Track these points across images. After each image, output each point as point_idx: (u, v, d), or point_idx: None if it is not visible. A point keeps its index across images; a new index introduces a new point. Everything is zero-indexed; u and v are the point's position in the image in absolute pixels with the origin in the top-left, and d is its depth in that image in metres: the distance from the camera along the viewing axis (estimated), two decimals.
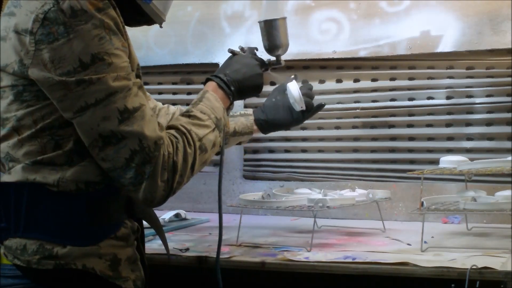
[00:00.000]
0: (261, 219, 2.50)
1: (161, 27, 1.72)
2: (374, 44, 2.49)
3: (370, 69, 2.56)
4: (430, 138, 2.48)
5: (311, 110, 2.12)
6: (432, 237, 2.05)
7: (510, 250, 1.80)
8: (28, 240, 1.47)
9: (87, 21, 1.39)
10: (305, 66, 2.62)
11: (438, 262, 1.71)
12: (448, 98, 2.44)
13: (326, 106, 2.59)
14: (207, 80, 1.76)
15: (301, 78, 2.61)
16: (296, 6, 2.58)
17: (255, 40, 2.62)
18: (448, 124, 2.45)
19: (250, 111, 2.15)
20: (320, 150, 2.64)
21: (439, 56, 2.43)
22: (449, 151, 2.41)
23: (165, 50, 2.81)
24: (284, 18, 1.91)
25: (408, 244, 1.97)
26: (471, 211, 1.95)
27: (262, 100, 2.31)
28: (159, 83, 2.87)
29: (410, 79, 2.50)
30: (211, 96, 1.68)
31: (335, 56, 2.56)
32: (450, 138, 2.45)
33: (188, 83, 2.83)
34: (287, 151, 2.69)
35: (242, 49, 1.87)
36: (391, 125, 2.53)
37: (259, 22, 1.91)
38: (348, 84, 2.59)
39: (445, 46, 2.40)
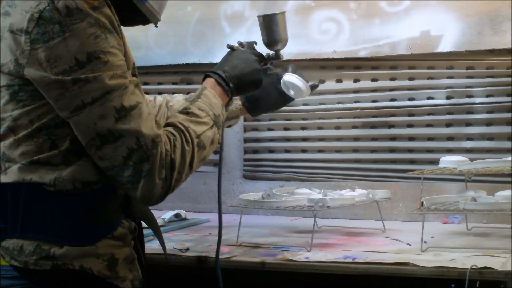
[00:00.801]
0: (261, 219, 2.50)
1: (156, 26, 1.71)
2: (374, 44, 2.50)
3: (370, 69, 2.56)
4: (430, 138, 2.48)
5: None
6: (432, 237, 2.05)
7: (510, 250, 1.80)
8: (25, 240, 1.46)
9: (82, 20, 1.39)
10: (305, 66, 2.61)
11: (438, 262, 1.71)
12: (448, 98, 2.44)
13: (326, 106, 2.61)
14: (206, 76, 1.74)
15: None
16: (296, 6, 2.58)
17: (255, 40, 2.63)
18: (448, 124, 2.45)
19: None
20: (320, 150, 2.64)
21: (439, 56, 2.43)
22: (449, 151, 2.41)
23: (165, 50, 2.81)
24: (283, 13, 1.90)
25: (408, 244, 1.97)
26: (471, 211, 1.95)
27: None
28: (159, 83, 2.87)
29: (410, 79, 2.50)
30: (209, 92, 1.67)
31: (335, 56, 2.56)
32: (450, 138, 2.45)
33: (188, 83, 2.83)
34: (287, 151, 2.69)
35: (241, 44, 1.86)
36: (391, 125, 2.53)
37: (258, 17, 1.91)
38: (348, 84, 2.59)
39: (445, 46, 2.40)
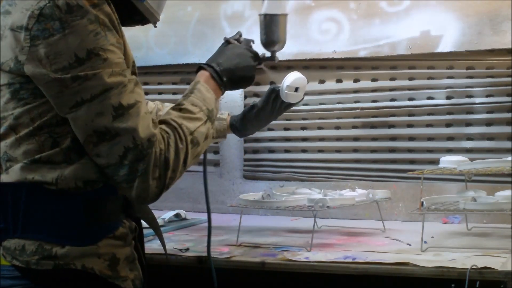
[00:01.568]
0: (261, 219, 2.50)
1: (155, 26, 1.71)
2: (374, 44, 2.50)
3: (370, 69, 2.56)
4: (430, 138, 2.48)
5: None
6: (432, 237, 2.05)
7: (510, 250, 1.80)
8: (26, 240, 1.46)
9: (82, 17, 1.39)
10: (305, 66, 2.62)
11: (438, 262, 1.71)
12: (448, 98, 2.44)
13: (326, 106, 2.61)
14: (199, 68, 1.73)
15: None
16: (296, 6, 2.58)
17: (255, 40, 2.63)
18: (448, 124, 2.45)
19: (225, 114, 2.10)
20: (320, 150, 2.64)
21: (439, 56, 2.43)
22: (449, 151, 2.41)
23: (165, 50, 2.81)
24: (285, 15, 1.90)
25: (408, 244, 1.97)
26: (471, 211, 1.95)
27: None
28: (159, 83, 2.87)
29: (410, 79, 2.50)
30: (202, 87, 1.65)
31: (335, 56, 2.56)
32: (450, 138, 2.45)
33: (188, 83, 2.80)
34: (287, 151, 2.69)
35: (238, 39, 1.85)
36: (391, 125, 2.53)
37: (260, 15, 1.90)
38: (348, 84, 2.59)
39: (445, 46, 2.40)
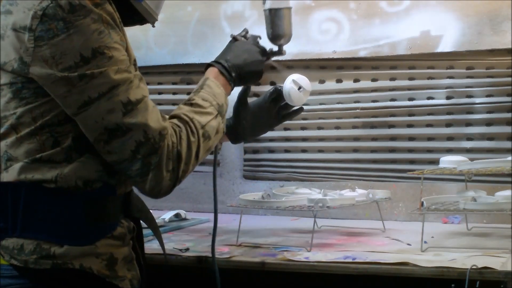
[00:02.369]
0: (261, 219, 2.50)
1: (153, 26, 1.72)
2: (374, 44, 2.50)
3: (370, 69, 2.56)
4: (430, 138, 2.48)
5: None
6: (432, 237, 2.05)
7: (510, 250, 1.80)
8: (25, 240, 1.46)
9: (86, 16, 1.40)
10: (305, 66, 2.61)
11: (438, 262, 1.71)
12: (448, 98, 2.44)
13: (326, 106, 2.61)
14: (208, 65, 1.75)
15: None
16: (296, 6, 2.56)
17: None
18: (448, 124, 2.45)
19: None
20: (320, 150, 2.64)
21: (439, 56, 2.43)
22: (449, 151, 2.41)
23: (165, 50, 2.81)
24: (289, 8, 1.91)
25: (408, 244, 1.96)
26: (471, 211, 1.95)
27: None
28: (159, 83, 2.87)
29: (410, 79, 2.50)
30: (212, 82, 1.68)
31: (335, 56, 2.56)
32: (450, 138, 2.45)
33: (188, 83, 2.83)
34: (287, 151, 2.69)
35: (245, 35, 1.86)
36: (391, 125, 2.53)
37: (264, 10, 1.91)
38: (348, 84, 2.59)
39: (445, 46, 2.40)
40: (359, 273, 1.75)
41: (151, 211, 1.70)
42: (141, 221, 1.65)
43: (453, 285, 1.64)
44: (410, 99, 2.49)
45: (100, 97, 1.41)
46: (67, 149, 1.46)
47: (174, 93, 2.84)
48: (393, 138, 2.53)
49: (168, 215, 2.43)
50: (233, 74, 1.74)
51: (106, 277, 1.50)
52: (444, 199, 2.10)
